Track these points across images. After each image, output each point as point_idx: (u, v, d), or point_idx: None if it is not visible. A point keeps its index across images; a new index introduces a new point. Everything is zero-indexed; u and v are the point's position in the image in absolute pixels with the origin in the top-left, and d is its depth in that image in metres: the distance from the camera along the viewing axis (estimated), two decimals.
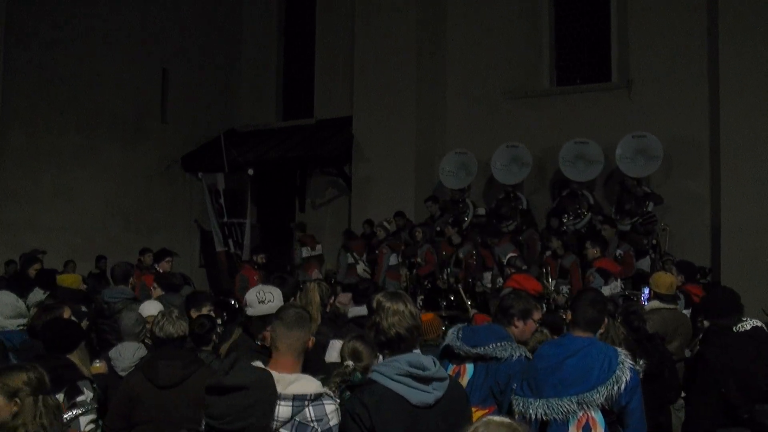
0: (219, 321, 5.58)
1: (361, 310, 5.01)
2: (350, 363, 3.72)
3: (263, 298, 4.18)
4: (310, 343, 3.10)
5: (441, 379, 3.04)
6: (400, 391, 2.95)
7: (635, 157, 11.38)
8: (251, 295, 4.23)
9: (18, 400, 3.02)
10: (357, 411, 2.93)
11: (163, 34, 14.42)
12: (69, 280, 7.73)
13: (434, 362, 3.08)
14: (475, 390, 3.81)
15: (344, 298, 5.93)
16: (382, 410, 2.91)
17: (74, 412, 3.85)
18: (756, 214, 10.55)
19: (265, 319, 3.93)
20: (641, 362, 4.45)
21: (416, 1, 13.50)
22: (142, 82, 14.16)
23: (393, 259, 11.19)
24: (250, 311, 4.19)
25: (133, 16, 13.85)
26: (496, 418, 2.14)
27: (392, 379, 2.97)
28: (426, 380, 2.99)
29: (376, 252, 11.38)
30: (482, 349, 3.90)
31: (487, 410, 3.70)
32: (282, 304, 4.28)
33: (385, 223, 11.67)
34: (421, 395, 2.96)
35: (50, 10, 12.60)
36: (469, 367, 3.92)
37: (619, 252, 9.93)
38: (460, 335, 4.04)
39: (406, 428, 2.93)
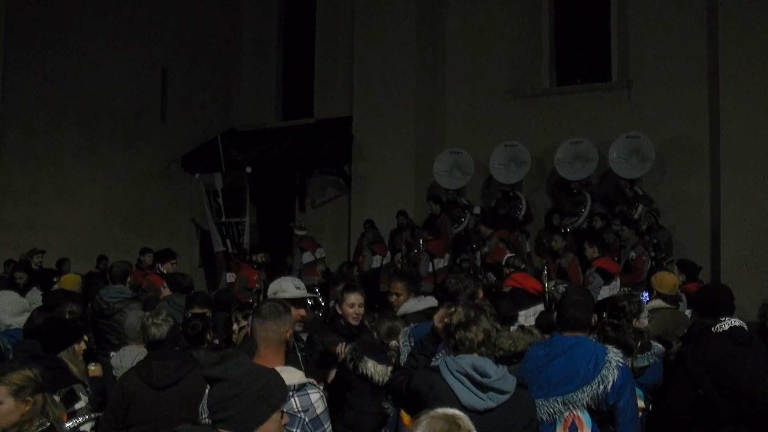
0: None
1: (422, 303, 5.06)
2: (394, 342, 4.24)
3: (299, 285, 4.42)
4: (288, 335, 3.22)
5: (500, 392, 3.08)
6: (454, 388, 3.08)
7: (629, 158, 11.38)
8: (287, 283, 4.43)
9: (29, 399, 3.06)
10: (415, 383, 3.20)
11: (162, 34, 14.41)
12: (70, 281, 7.76)
13: (500, 374, 3.12)
14: None
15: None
16: (428, 396, 3.07)
17: (77, 421, 3.84)
18: (755, 214, 10.54)
19: (296, 304, 4.19)
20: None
21: (416, 1, 13.50)
22: (142, 82, 14.16)
23: (307, 257, 11.88)
24: (284, 295, 4.29)
25: (132, 16, 13.83)
26: (440, 410, 2.17)
27: (452, 374, 3.11)
28: (483, 387, 3.06)
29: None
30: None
31: None
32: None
33: (297, 231, 12.43)
34: (473, 399, 3.05)
35: (50, 10, 12.59)
36: None
37: (632, 255, 9.78)
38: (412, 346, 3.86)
39: None
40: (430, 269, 10.92)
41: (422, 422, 2.12)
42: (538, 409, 3.42)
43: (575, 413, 3.42)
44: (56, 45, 12.70)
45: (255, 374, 2.58)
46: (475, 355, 3.18)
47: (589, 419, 3.44)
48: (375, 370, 4.22)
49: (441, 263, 11.08)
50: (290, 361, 3.41)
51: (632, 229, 10.19)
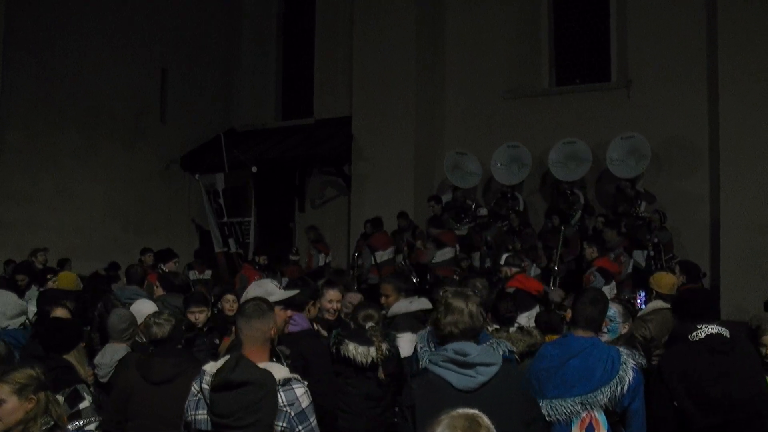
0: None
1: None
2: (370, 324, 4.58)
3: (282, 286, 4.48)
4: (273, 332, 3.26)
5: (486, 365, 3.14)
6: (445, 376, 3.13)
7: (626, 159, 11.40)
8: (269, 285, 4.40)
9: (33, 396, 3.08)
10: (409, 402, 3.18)
11: (162, 34, 14.41)
12: (66, 279, 7.78)
13: (480, 350, 3.19)
14: None
15: (354, 298, 5.91)
16: (428, 395, 3.11)
17: (79, 423, 3.85)
18: (755, 212, 10.57)
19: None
20: None
21: (416, 1, 13.52)
22: (142, 82, 14.16)
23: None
24: (272, 298, 4.23)
25: (132, 16, 13.83)
26: (460, 410, 2.21)
27: (438, 366, 3.17)
28: (468, 365, 3.12)
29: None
30: None
31: None
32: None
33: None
34: (463, 380, 3.11)
35: (50, 10, 12.57)
36: None
37: (611, 255, 9.82)
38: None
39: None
40: (373, 262, 11.29)
41: (443, 421, 2.16)
42: (554, 409, 3.44)
43: (593, 414, 3.44)
44: (56, 45, 12.69)
45: (270, 376, 2.58)
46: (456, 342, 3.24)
47: (605, 420, 3.45)
48: (357, 351, 4.43)
49: (384, 256, 11.38)
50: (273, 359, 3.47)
51: (613, 230, 10.26)
